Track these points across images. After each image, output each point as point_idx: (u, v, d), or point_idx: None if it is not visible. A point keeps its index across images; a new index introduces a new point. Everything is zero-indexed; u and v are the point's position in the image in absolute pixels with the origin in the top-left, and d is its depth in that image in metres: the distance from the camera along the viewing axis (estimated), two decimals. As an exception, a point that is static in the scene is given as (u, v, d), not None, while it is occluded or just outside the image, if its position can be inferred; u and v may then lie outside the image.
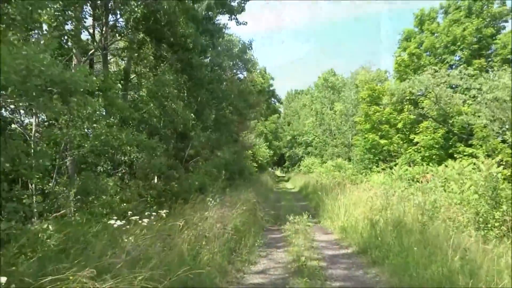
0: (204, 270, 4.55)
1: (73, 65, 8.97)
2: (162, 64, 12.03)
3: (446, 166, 12.01)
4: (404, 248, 5.51)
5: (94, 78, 6.58)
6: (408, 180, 13.94)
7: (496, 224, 6.74)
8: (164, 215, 5.78)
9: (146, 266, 3.83)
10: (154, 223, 5.50)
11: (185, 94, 15.33)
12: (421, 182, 11.11)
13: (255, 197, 13.00)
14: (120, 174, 10.84)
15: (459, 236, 5.95)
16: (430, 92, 16.18)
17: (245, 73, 22.91)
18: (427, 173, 12.93)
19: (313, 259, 6.12)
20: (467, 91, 17.19)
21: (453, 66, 19.53)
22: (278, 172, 61.87)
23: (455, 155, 15.66)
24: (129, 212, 7.52)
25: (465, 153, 15.11)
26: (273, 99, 52.59)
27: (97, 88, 9.00)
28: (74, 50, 9.22)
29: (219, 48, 17.45)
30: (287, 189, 29.79)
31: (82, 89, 4.94)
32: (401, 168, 14.44)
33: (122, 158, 10.75)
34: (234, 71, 20.80)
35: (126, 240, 4.50)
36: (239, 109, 20.26)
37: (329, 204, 11.17)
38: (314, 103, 41.10)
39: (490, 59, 19.14)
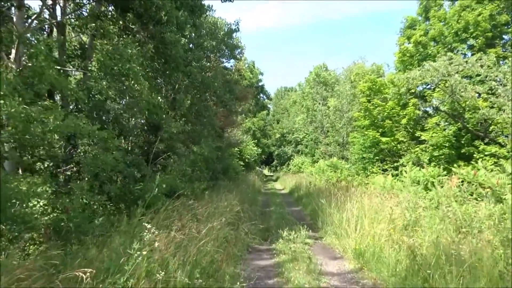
0: None
1: (14, 37, 6.67)
2: (124, 36, 9.66)
3: (476, 167, 9.87)
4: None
5: None
6: (423, 183, 11.82)
7: None
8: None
9: None
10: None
11: (160, 81, 13.04)
12: (449, 186, 8.92)
13: (239, 203, 10.71)
14: (69, 173, 8.40)
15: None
16: (444, 82, 14.04)
17: (232, 61, 20.54)
18: (449, 176, 10.80)
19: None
20: (481, 83, 15.17)
21: (464, 56, 17.49)
22: (266, 171, 59.67)
23: (474, 155, 13.54)
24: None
25: (486, 153, 13.02)
26: (262, 95, 50.26)
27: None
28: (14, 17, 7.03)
29: (202, 30, 15.10)
30: (276, 190, 27.49)
31: None
32: (411, 170, 12.27)
33: (69, 152, 8.39)
34: (219, 56, 18.40)
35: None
36: (224, 100, 17.91)
37: (332, 213, 8.89)
38: (305, 99, 38.95)
39: (505, 49, 17.15)
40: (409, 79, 13.79)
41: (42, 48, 6.19)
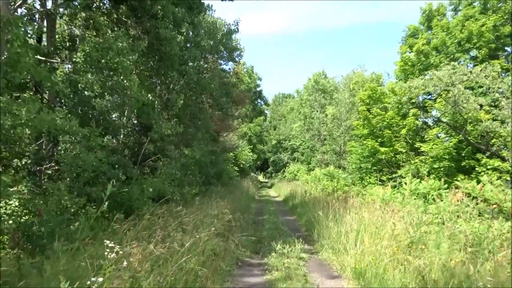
0: None
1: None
2: (116, 29, 9.17)
3: (481, 182, 9.41)
4: None
5: None
6: (422, 196, 11.36)
7: None
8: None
9: None
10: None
11: (156, 80, 12.57)
12: (451, 201, 8.45)
13: (231, 211, 10.19)
14: (50, 172, 7.83)
15: None
16: (446, 93, 13.65)
17: (230, 63, 20.04)
18: (450, 189, 10.33)
19: None
20: (483, 95, 14.79)
21: (467, 67, 17.13)
22: (261, 178, 59.13)
23: (476, 168, 13.11)
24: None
25: (488, 167, 12.57)
26: (259, 101, 49.82)
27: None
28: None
29: (200, 30, 14.59)
30: (270, 198, 26.94)
31: None
32: (411, 181, 11.79)
33: (51, 150, 7.87)
34: (217, 58, 17.90)
35: None
36: (220, 103, 17.41)
37: (329, 226, 8.37)
38: (303, 106, 38.52)
39: (508, 61, 16.81)
40: (411, 88, 13.35)
41: (21, 33, 5.66)
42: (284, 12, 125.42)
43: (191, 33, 13.60)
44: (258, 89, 47.39)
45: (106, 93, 8.35)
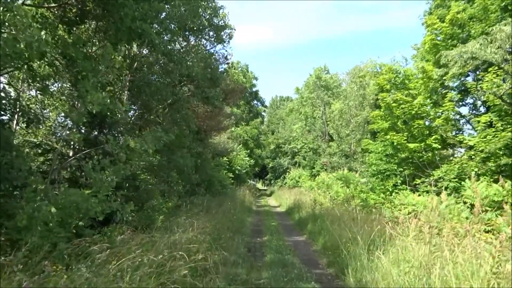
0: None
1: None
2: None
3: None
4: None
5: None
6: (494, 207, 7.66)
7: None
8: None
9: None
10: None
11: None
12: None
13: (216, 232, 6.49)
14: None
15: None
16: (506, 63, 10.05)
17: (218, 46, 16.22)
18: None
19: None
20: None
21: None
22: (259, 185, 55.31)
23: None
24: None
25: None
26: (256, 102, 46.10)
27: None
28: None
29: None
30: (270, 208, 23.10)
31: None
32: (477, 185, 8.06)
33: None
34: (200, 37, 14.19)
35: None
36: (205, 91, 13.61)
37: (380, 263, 4.63)
38: (304, 105, 34.89)
39: None
40: (463, 54, 9.67)
41: None
42: (281, 23, 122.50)
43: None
44: (254, 89, 43.69)
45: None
